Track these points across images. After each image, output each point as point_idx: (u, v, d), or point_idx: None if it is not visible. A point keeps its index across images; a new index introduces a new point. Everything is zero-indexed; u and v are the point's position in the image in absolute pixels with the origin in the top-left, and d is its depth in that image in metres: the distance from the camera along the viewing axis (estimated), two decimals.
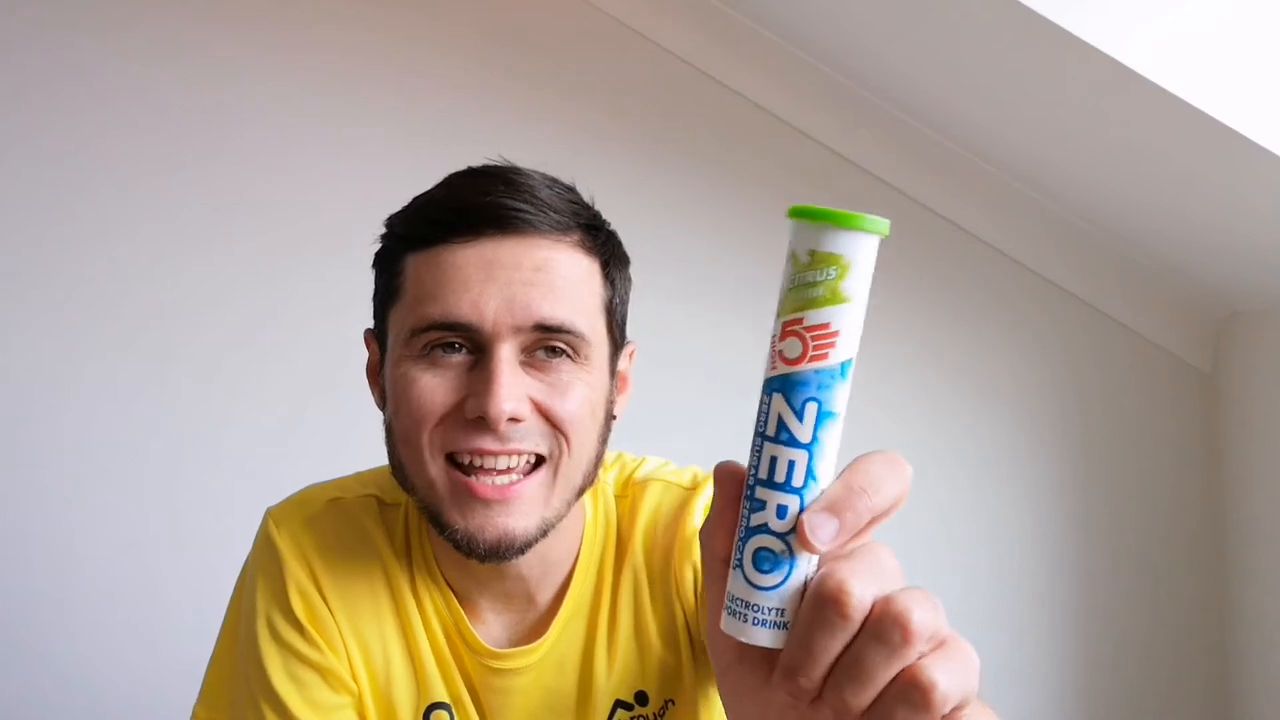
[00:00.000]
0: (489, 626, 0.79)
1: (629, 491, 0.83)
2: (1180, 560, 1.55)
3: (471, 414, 0.68)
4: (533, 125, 1.52)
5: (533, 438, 0.69)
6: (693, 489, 0.82)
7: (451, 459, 0.70)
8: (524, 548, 0.70)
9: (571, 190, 0.75)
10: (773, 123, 1.54)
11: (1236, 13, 1.06)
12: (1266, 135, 1.06)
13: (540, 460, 0.71)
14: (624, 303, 0.78)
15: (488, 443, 0.68)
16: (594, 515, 0.82)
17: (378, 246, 0.76)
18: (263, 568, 0.79)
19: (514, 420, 0.68)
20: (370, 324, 0.79)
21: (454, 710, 0.79)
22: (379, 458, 0.80)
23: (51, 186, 1.48)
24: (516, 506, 0.69)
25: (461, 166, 0.76)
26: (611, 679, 0.80)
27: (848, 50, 1.48)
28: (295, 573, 0.78)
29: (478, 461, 0.69)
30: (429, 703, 0.79)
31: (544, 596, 0.80)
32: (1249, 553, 1.48)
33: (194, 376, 1.49)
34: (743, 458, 0.45)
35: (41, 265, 1.47)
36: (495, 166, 0.75)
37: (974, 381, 1.56)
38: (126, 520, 1.47)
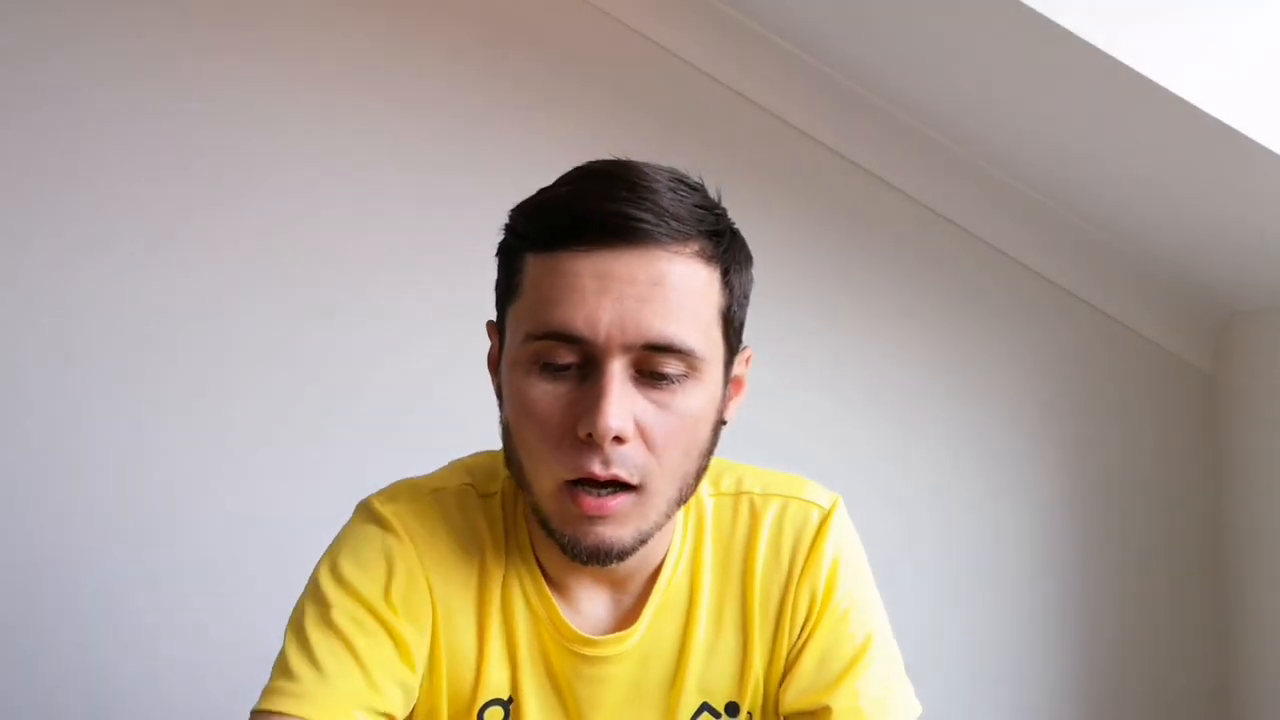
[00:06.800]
0: (584, 616, 0.81)
1: (742, 501, 0.84)
2: (1180, 560, 1.55)
3: (582, 432, 0.70)
4: (532, 123, 1.52)
5: (629, 465, 0.71)
6: (828, 511, 0.84)
7: (564, 481, 0.73)
8: (621, 555, 0.74)
9: (697, 190, 0.76)
10: (773, 123, 1.54)
11: (1236, 11, 1.06)
12: (1267, 134, 1.07)
13: (636, 487, 0.73)
14: (743, 307, 0.78)
15: (595, 467, 0.70)
16: (684, 512, 0.83)
17: (501, 237, 0.78)
18: (357, 550, 0.79)
19: (618, 440, 0.70)
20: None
21: (511, 707, 0.80)
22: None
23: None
24: (613, 520, 0.72)
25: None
26: (704, 683, 0.81)
27: (849, 50, 1.48)
28: (407, 558, 0.79)
29: (584, 485, 0.72)
30: (488, 699, 0.80)
31: (637, 580, 0.81)
32: (1250, 553, 1.48)
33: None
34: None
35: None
36: (620, 166, 0.75)
37: (971, 381, 1.57)
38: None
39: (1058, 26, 1.06)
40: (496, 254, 0.78)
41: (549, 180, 0.77)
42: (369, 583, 0.77)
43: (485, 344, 0.82)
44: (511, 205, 0.77)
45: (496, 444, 0.81)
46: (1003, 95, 1.35)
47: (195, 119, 1.50)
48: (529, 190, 0.77)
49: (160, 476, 1.48)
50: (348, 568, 0.78)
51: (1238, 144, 1.09)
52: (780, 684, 0.82)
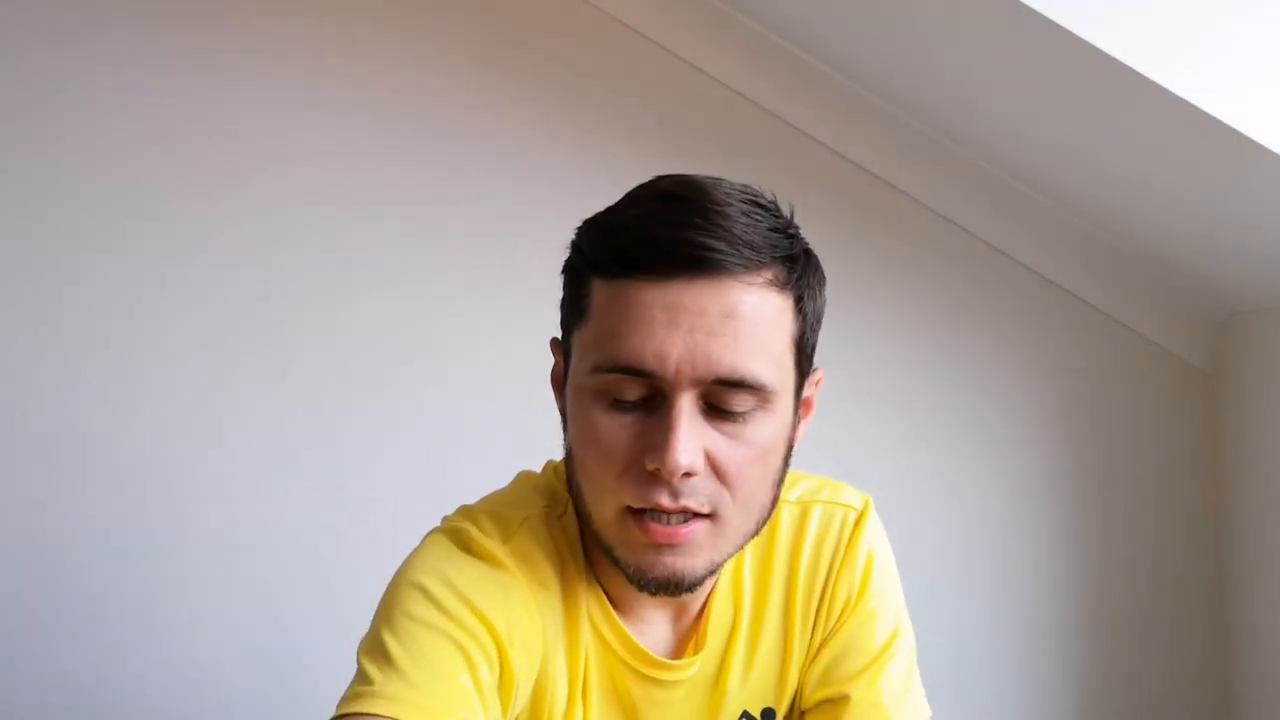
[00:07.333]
0: (653, 640, 0.80)
1: (781, 510, 0.83)
2: (1180, 562, 1.55)
3: (650, 465, 0.68)
4: (533, 123, 1.52)
5: (699, 495, 0.70)
6: (862, 511, 0.84)
7: (627, 507, 0.71)
8: (691, 586, 0.72)
9: (770, 211, 0.72)
10: (773, 123, 1.54)
11: (1236, 11, 1.06)
12: (1267, 134, 1.07)
13: (708, 515, 0.71)
14: (815, 332, 0.76)
15: (664, 499, 0.69)
16: None
17: (567, 254, 0.75)
18: (473, 578, 0.73)
19: (688, 475, 0.69)
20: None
21: None
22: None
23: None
24: (685, 549, 0.71)
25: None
26: (744, 691, 0.81)
27: (849, 50, 1.48)
28: (524, 598, 0.74)
29: (651, 512, 0.70)
30: None
31: (699, 602, 0.81)
32: (1249, 554, 1.48)
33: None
34: None
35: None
36: (691, 188, 0.71)
37: (970, 381, 1.56)
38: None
39: (1057, 26, 1.06)
40: (561, 271, 0.75)
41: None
42: (493, 611, 0.72)
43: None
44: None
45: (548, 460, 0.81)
46: (1003, 95, 1.35)
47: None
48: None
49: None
50: (468, 588, 0.72)
51: (1238, 144, 1.09)
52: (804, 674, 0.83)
